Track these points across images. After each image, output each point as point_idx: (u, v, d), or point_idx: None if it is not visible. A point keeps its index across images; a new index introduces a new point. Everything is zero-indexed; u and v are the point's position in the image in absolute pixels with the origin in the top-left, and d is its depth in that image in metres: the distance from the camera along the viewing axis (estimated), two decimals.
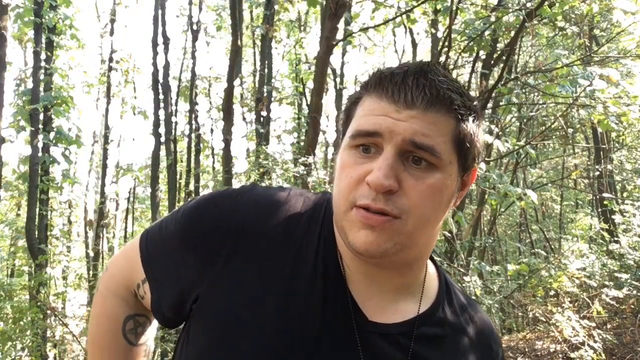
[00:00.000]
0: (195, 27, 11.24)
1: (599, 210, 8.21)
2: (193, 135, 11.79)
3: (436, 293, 0.79)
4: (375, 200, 0.64)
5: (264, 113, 8.80)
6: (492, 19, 4.08)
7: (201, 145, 12.33)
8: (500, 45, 5.15)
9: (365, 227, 0.65)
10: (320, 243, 0.74)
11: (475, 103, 0.70)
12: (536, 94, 5.03)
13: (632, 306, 5.17)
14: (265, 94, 9.24)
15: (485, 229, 7.97)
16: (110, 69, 11.94)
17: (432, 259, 0.84)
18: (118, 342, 0.83)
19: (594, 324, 4.33)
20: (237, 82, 9.62)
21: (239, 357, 0.68)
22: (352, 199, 0.66)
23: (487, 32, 4.29)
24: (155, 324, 0.89)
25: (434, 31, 6.83)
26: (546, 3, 3.97)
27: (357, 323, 0.71)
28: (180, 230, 0.76)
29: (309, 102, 9.11)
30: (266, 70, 9.63)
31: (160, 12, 9.82)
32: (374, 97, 0.68)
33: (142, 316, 0.85)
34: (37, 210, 7.81)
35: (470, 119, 0.68)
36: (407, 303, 0.76)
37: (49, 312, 6.45)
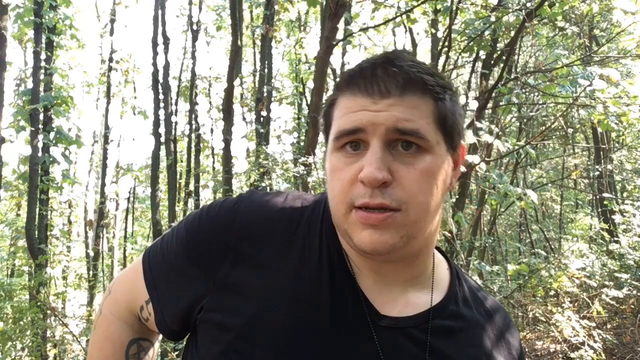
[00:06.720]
0: (195, 27, 11.25)
1: (599, 210, 8.21)
2: (193, 135, 11.79)
3: (448, 285, 0.79)
4: (372, 196, 0.64)
5: (264, 113, 8.80)
6: (492, 19, 4.08)
7: (201, 145, 12.32)
8: (500, 45, 5.14)
9: (367, 227, 0.65)
10: (323, 242, 0.73)
11: (447, 81, 0.70)
12: (536, 94, 5.03)
13: (632, 306, 5.17)
14: (265, 94, 9.24)
15: (485, 229, 7.97)
16: (110, 69, 11.95)
17: (442, 252, 0.83)
18: None
19: (594, 324, 4.33)
20: (237, 82, 9.61)
21: None
22: (349, 201, 0.66)
23: (487, 32, 4.29)
24: (157, 348, 0.89)
25: (434, 31, 6.83)
26: (546, 3, 3.97)
27: (370, 317, 0.71)
28: (182, 243, 0.76)
29: (309, 102, 9.11)
30: (266, 70, 9.63)
31: (160, 12, 9.82)
32: (348, 96, 0.68)
33: (145, 340, 0.85)
34: (37, 210, 7.81)
35: (447, 96, 0.68)
36: (418, 295, 0.75)
37: (49, 312, 6.44)
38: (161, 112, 9.82)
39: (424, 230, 0.69)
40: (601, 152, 8.18)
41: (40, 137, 7.91)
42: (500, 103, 5.04)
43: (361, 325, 0.70)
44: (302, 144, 8.76)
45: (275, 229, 0.73)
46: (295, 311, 0.69)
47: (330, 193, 0.69)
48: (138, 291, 0.80)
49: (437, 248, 0.83)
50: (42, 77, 8.20)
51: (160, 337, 0.88)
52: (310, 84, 10.65)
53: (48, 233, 8.54)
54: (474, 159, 3.13)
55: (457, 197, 5.13)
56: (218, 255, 0.72)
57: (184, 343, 0.81)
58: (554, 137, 7.61)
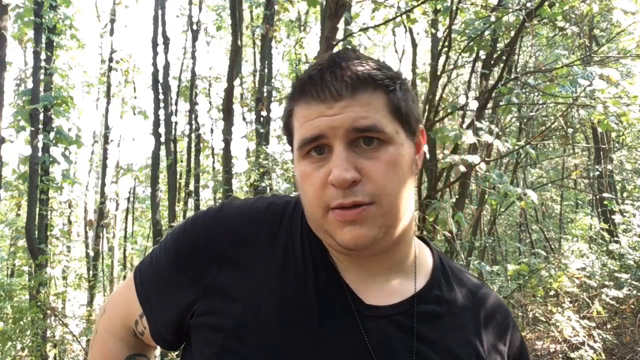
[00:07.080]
0: (195, 27, 11.24)
1: (599, 210, 8.22)
2: (193, 135, 11.78)
3: (431, 271, 0.80)
4: (344, 196, 0.66)
5: (264, 113, 8.79)
6: (492, 19, 4.08)
7: (201, 145, 12.31)
8: (500, 45, 5.14)
9: (346, 224, 0.67)
10: (304, 239, 0.75)
11: (396, 71, 0.73)
12: (536, 94, 5.03)
13: (632, 306, 5.17)
14: (265, 94, 9.23)
15: (485, 229, 7.97)
16: (110, 69, 11.93)
17: (424, 240, 0.85)
18: None
19: (594, 324, 4.34)
20: (237, 82, 9.61)
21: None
22: (324, 204, 0.68)
23: (487, 32, 4.29)
24: None
25: (434, 31, 6.82)
26: (546, 3, 3.96)
27: (356, 308, 0.72)
28: (170, 254, 0.78)
29: None
30: (266, 70, 9.62)
31: (160, 12, 9.82)
32: (303, 104, 0.70)
33: (142, 356, 0.86)
34: (37, 210, 7.80)
35: (397, 86, 0.71)
36: (401, 282, 0.76)
37: (49, 312, 6.44)
38: (161, 112, 9.81)
39: (400, 218, 0.71)
40: (601, 152, 8.18)
41: (40, 137, 7.90)
42: (500, 103, 5.04)
43: (347, 317, 0.71)
44: None
45: (260, 229, 0.76)
46: (284, 309, 0.70)
47: (305, 198, 0.72)
48: (132, 306, 0.81)
49: (420, 237, 0.85)
50: (42, 77, 8.19)
51: (157, 351, 0.89)
52: None
53: (48, 233, 8.52)
54: (474, 159, 3.13)
55: (457, 197, 5.13)
56: (205, 261, 0.74)
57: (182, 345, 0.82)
58: (554, 137, 7.61)
